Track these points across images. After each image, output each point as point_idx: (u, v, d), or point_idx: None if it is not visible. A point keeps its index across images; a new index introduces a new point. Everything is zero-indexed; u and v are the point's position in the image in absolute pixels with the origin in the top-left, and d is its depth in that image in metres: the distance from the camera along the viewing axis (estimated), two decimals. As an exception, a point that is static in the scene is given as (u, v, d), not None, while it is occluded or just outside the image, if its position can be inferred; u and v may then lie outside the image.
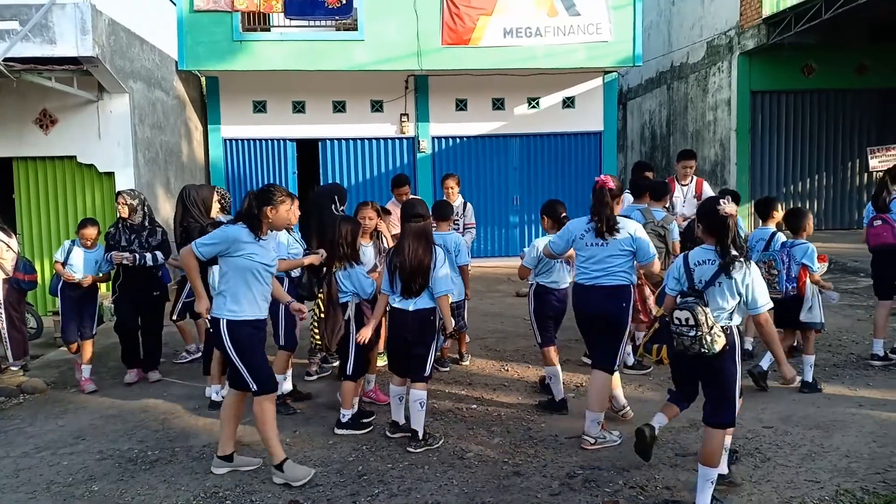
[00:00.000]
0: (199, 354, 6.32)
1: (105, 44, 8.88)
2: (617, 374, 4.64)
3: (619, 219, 4.33)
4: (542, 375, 5.45)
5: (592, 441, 4.33)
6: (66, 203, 9.87)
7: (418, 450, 4.33)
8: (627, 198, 6.10)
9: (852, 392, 5.24)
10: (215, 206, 5.99)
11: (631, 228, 4.30)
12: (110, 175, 9.79)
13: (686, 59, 15.24)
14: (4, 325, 6.31)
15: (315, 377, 5.92)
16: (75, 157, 9.73)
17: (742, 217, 13.07)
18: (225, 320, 3.85)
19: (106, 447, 4.65)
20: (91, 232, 6.04)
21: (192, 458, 4.40)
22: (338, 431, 4.67)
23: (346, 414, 4.68)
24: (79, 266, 6.00)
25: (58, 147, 9.69)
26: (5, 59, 7.82)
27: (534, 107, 13.08)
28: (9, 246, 6.29)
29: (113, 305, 6.18)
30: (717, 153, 13.85)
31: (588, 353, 5.42)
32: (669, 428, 4.65)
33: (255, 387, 3.91)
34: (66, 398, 5.76)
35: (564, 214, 5.03)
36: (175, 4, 11.46)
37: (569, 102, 13.12)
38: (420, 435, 4.38)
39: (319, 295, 4.77)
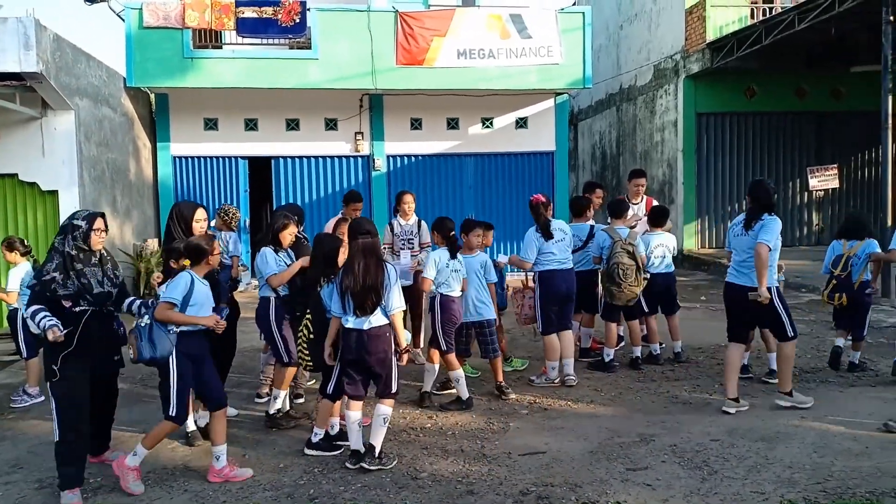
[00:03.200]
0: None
1: (49, 59, 8.66)
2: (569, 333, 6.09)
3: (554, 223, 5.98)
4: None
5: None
6: (5, 222, 9.52)
7: (373, 467, 4.28)
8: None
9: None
10: (217, 222, 6.06)
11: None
12: (53, 193, 9.50)
13: (634, 81, 15.68)
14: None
15: (265, 399, 5.80)
16: (16, 174, 9.42)
17: (690, 234, 13.45)
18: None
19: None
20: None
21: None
22: (307, 452, 4.58)
23: (319, 433, 4.60)
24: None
25: (-2, 164, 9.37)
26: (-58, 74, 7.56)
27: (487, 127, 13.25)
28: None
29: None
30: (665, 173, 14.23)
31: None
32: (620, 443, 4.72)
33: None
34: (4, 425, 5.51)
35: (453, 232, 5.63)
36: (123, 21, 11.26)
37: (521, 123, 13.34)
38: (377, 452, 4.33)
39: (308, 315, 4.73)
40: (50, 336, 3.84)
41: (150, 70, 11.31)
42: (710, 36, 12.58)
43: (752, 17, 12.63)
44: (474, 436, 4.92)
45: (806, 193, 13.87)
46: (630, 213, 7.04)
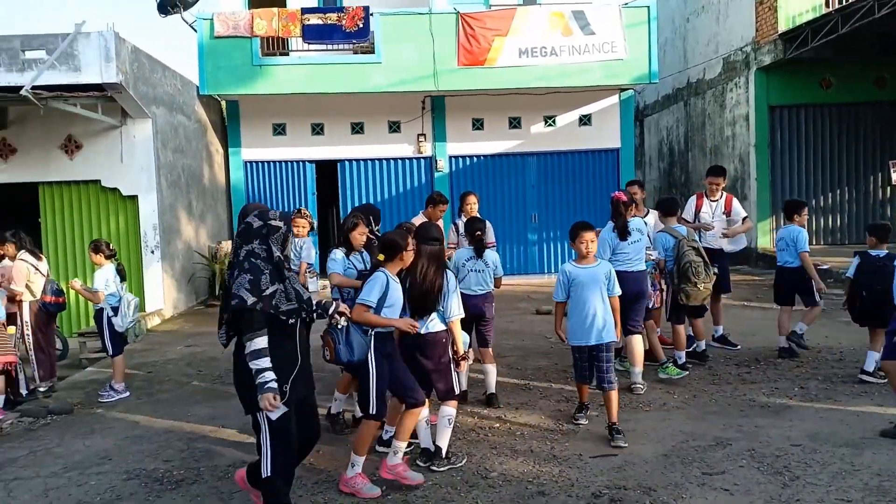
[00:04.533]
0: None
1: (128, 70, 9.08)
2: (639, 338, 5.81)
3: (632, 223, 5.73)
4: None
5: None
6: (90, 226, 10.04)
7: (441, 468, 4.32)
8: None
9: (881, 409, 5.14)
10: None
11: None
12: (133, 199, 9.96)
13: (702, 75, 15.24)
14: (31, 347, 6.41)
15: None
16: (99, 181, 9.92)
17: (764, 232, 12.98)
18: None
19: (132, 467, 4.68)
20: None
21: (217, 477, 4.42)
22: (379, 449, 4.65)
23: (389, 431, 4.67)
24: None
25: (82, 172, 9.89)
26: (33, 87, 8.03)
27: (550, 125, 13.13)
28: (37, 269, 6.41)
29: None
30: (737, 168, 13.77)
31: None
32: (695, 447, 4.60)
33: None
34: (93, 419, 5.82)
35: (479, 231, 5.52)
36: (196, 31, 11.70)
37: (585, 120, 13.16)
38: (444, 453, 4.36)
39: None
40: (264, 403, 3.21)
41: (221, 78, 11.72)
42: (783, 26, 12.09)
43: (827, 5, 12.08)
44: (543, 436, 4.89)
45: (889, 188, 13.16)
46: (706, 210, 6.87)
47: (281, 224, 3.46)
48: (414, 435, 4.64)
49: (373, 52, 11.94)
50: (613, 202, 5.81)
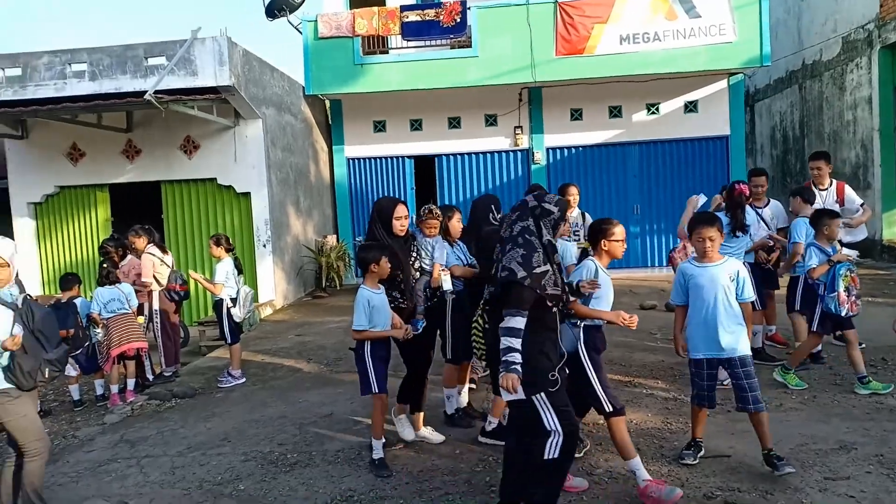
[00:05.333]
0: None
1: (240, 73, 9.57)
2: None
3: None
4: None
5: None
6: (207, 222, 10.68)
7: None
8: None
9: None
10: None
11: None
12: (247, 195, 10.50)
13: (819, 56, 14.25)
14: (159, 334, 6.91)
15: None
16: (215, 178, 10.52)
17: (891, 222, 12.03)
18: None
19: (249, 449, 4.96)
20: None
21: (328, 461, 4.61)
22: (481, 439, 4.71)
23: (493, 422, 4.71)
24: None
25: (200, 170, 10.53)
26: (155, 92, 8.61)
27: (653, 113, 12.71)
28: (163, 261, 6.90)
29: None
30: (859, 155, 12.81)
31: None
32: (815, 450, 4.35)
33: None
34: (212, 403, 6.21)
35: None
36: (301, 33, 12.16)
37: (691, 107, 12.64)
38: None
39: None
40: (508, 383, 3.18)
41: (324, 78, 12.13)
42: (914, -2, 11.11)
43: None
44: (651, 434, 4.76)
45: None
46: (818, 200, 6.44)
47: (555, 209, 3.40)
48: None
49: (470, 46, 11.98)
50: (734, 195, 5.49)
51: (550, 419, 3.31)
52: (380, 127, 13.21)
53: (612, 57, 11.59)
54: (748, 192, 5.63)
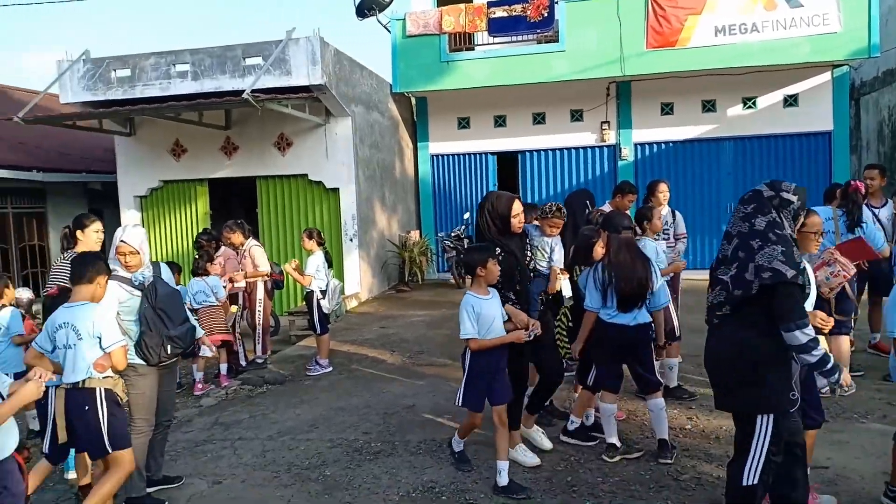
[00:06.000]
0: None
1: (331, 72, 9.85)
2: None
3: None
4: None
5: None
6: (299, 216, 11.07)
7: (669, 460, 4.23)
8: None
9: None
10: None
11: None
12: (335, 191, 10.81)
13: (937, 44, 13.21)
14: (260, 322, 7.21)
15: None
16: (306, 175, 10.88)
17: None
18: None
19: (336, 436, 5.12)
20: None
21: (410, 452, 4.70)
22: (563, 438, 4.68)
23: (576, 422, 4.68)
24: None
25: (292, 166, 10.91)
26: (252, 91, 8.98)
27: (750, 107, 12.16)
28: (263, 253, 7.22)
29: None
30: (981, 150, 11.80)
31: None
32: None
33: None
34: (301, 390, 6.44)
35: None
36: (390, 32, 12.38)
37: (791, 101, 12.01)
38: (669, 445, 4.30)
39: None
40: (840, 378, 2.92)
41: (412, 76, 12.31)
42: None
43: None
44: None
45: None
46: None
47: (794, 198, 3.04)
48: (598, 429, 4.61)
49: (556, 40, 11.84)
50: (850, 191, 5.29)
51: (761, 444, 2.97)
52: (464, 123, 13.27)
53: (707, 49, 11.18)
54: (864, 190, 5.33)
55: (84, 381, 3.45)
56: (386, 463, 4.56)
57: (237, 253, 7.25)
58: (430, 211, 13.60)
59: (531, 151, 13.09)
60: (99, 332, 3.46)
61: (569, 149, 12.96)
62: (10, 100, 14.42)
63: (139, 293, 3.95)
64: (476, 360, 3.96)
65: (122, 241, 3.96)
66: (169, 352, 3.96)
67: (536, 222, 4.79)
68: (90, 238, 4.77)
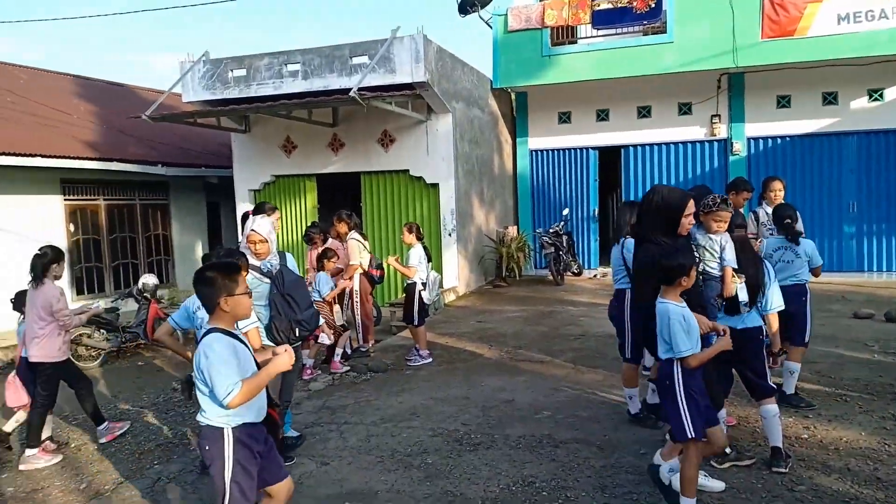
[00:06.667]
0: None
1: (434, 69, 9.99)
2: None
3: None
4: None
5: None
6: (400, 210, 11.31)
7: (784, 469, 4.06)
8: None
9: None
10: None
11: None
12: (435, 186, 10.97)
13: None
14: (359, 313, 7.46)
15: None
16: (408, 170, 11.10)
17: None
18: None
19: (436, 425, 5.23)
20: None
21: (510, 446, 4.72)
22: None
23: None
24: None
25: (394, 162, 11.16)
26: (358, 89, 9.25)
27: (876, 99, 11.32)
28: (365, 247, 7.44)
29: None
30: None
31: None
32: None
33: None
34: (402, 379, 6.61)
35: (788, 220, 4.84)
36: (491, 28, 12.40)
37: (924, 92, 11.07)
38: (783, 453, 4.12)
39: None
40: None
41: (512, 71, 12.29)
42: None
43: None
44: (864, 455, 4.29)
45: None
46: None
47: None
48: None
49: (664, 31, 11.47)
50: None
51: None
52: (564, 118, 13.11)
53: (828, 38, 10.49)
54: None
55: None
56: (486, 455, 4.60)
57: (342, 244, 7.52)
58: (528, 206, 13.54)
59: (635, 146, 12.76)
60: None
61: (676, 143, 12.54)
62: (138, 99, 15.57)
63: (268, 280, 4.23)
64: (691, 379, 3.40)
65: (252, 230, 4.32)
66: (297, 334, 4.25)
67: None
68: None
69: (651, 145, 12.66)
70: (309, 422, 5.50)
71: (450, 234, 10.94)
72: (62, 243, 11.13)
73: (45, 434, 5.28)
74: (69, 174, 11.26)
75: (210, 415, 2.85)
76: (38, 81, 14.47)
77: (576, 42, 12.46)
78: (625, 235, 4.97)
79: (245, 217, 5.62)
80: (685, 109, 12.36)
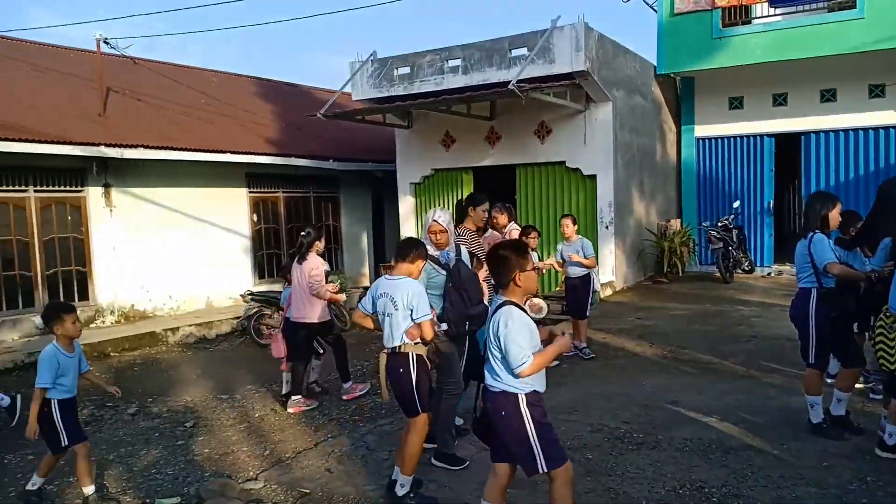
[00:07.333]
0: None
1: (594, 58, 9.76)
2: None
3: None
4: None
5: None
6: (555, 203, 11.22)
7: None
8: None
9: None
10: None
11: None
12: (592, 178, 10.75)
13: None
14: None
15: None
16: (564, 162, 10.96)
17: None
18: None
19: (595, 421, 5.15)
20: None
21: (676, 448, 4.54)
22: (879, 453, 4.19)
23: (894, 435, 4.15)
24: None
25: (550, 154, 11.08)
26: (516, 81, 9.26)
27: None
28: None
29: None
30: None
31: None
32: None
33: None
34: (560, 373, 6.52)
35: None
36: (656, 11, 11.89)
37: None
38: None
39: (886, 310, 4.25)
40: None
41: (678, 55, 11.70)
42: None
43: None
44: None
45: None
46: None
47: None
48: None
49: (853, 6, 10.37)
50: None
51: None
52: (736, 104, 12.28)
53: None
54: None
55: (399, 346, 3.92)
56: (650, 455, 4.47)
57: (501, 235, 7.59)
58: (693, 198, 12.85)
59: (817, 132, 11.67)
60: (412, 304, 3.88)
61: (865, 129, 11.31)
62: (311, 98, 16.72)
63: (444, 272, 4.43)
64: None
65: (433, 220, 4.55)
66: (467, 328, 4.43)
67: None
68: (478, 215, 5.72)
69: (836, 131, 11.51)
70: (469, 407, 5.63)
71: (607, 227, 10.67)
72: (246, 232, 12.26)
73: (312, 378, 6.48)
74: (253, 168, 12.35)
75: (505, 381, 3.06)
76: (227, 84, 15.99)
77: (750, 22, 11.60)
78: (814, 230, 4.56)
79: (460, 205, 5.86)
80: (877, 91, 11.10)
